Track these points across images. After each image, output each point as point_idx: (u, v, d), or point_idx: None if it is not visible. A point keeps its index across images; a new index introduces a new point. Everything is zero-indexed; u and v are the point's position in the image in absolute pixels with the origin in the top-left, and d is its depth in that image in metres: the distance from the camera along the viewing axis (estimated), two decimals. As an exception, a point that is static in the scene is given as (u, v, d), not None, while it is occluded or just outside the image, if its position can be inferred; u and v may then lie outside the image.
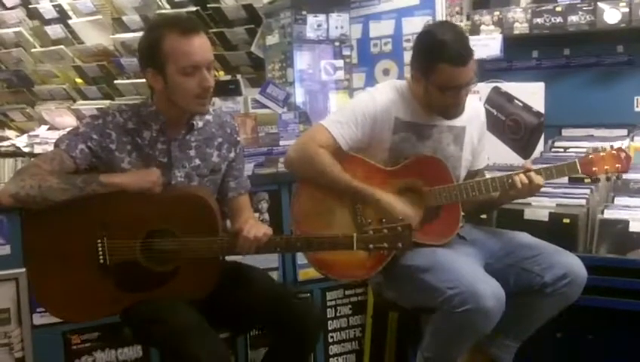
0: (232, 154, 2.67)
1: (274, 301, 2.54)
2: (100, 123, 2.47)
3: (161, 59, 2.40)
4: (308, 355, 2.80)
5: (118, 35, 5.50)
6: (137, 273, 2.45)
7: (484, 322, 2.48)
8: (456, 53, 2.62)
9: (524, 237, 2.81)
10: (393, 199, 2.73)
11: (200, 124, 2.58)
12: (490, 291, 2.46)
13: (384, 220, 2.65)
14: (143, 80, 2.57)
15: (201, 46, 2.41)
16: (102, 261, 2.44)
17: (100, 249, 2.43)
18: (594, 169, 2.73)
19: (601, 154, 2.73)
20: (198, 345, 2.28)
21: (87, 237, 2.43)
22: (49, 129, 5.98)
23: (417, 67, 2.74)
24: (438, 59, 2.62)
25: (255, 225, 2.52)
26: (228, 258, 2.68)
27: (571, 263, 2.65)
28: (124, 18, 5.43)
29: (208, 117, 2.62)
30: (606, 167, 2.73)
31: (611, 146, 2.77)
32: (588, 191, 3.08)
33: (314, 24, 4.24)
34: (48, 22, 5.98)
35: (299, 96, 4.28)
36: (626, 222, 2.94)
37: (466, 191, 2.74)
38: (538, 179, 2.70)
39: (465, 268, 2.55)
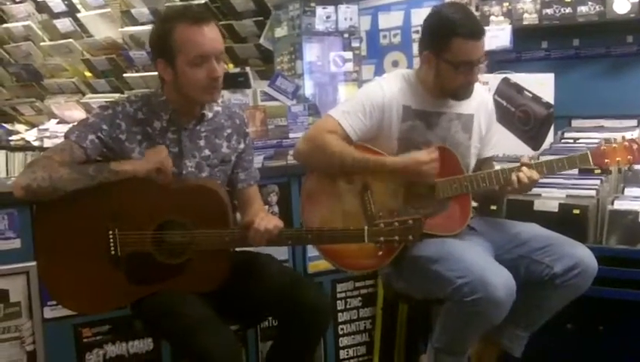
0: (241, 146, 2.68)
1: (283, 287, 2.53)
2: (109, 113, 2.47)
3: (171, 50, 2.40)
4: (317, 341, 2.78)
5: (126, 28, 5.50)
6: (148, 265, 2.46)
7: (495, 311, 2.47)
8: (469, 27, 2.63)
9: (534, 228, 2.80)
10: (400, 159, 2.71)
11: (210, 115, 2.59)
12: (501, 281, 2.46)
13: (396, 213, 2.65)
14: (152, 73, 2.58)
15: (210, 35, 2.42)
16: (113, 252, 2.44)
17: (111, 240, 2.44)
18: (606, 160, 2.71)
19: (613, 145, 2.72)
20: (208, 337, 2.29)
21: (99, 229, 2.43)
22: (58, 123, 5.99)
23: (429, 46, 2.72)
24: (451, 33, 2.62)
25: (266, 218, 2.52)
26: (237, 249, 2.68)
27: (581, 254, 2.64)
28: (132, 11, 5.43)
29: (217, 108, 2.62)
30: (618, 159, 2.71)
31: (623, 137, 2.76)
32: (598, 182, 3.08)
33: (323, 16, 4.23)
34: (57, 15, 5.99)
35: (308, 89, 4.27)
36: (636, 213, 2.94)
37: (477, 182, 2.73)
38: (534, 174, 2.69)
39: (475, 258, 2.54)
